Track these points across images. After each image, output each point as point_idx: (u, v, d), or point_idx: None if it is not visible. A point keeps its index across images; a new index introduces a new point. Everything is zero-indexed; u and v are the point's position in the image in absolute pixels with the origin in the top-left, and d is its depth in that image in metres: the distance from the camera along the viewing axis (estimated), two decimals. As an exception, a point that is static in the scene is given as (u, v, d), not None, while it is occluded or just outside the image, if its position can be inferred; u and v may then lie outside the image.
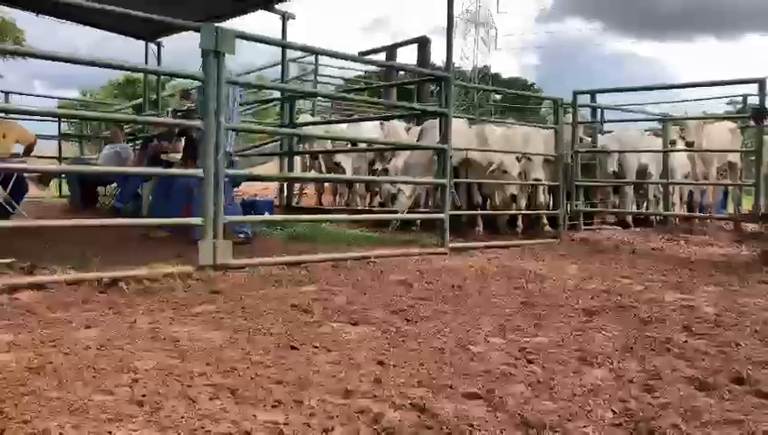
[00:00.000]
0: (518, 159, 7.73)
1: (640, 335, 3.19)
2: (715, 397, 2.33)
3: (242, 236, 5.94)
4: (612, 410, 2.17)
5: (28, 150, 8.09)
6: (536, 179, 7.89)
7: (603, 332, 3.26)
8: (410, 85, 14.11)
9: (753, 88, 6.87)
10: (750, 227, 8.25)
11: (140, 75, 16.67)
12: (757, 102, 6.63)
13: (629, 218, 8.93)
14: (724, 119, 10.16)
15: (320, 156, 9.97)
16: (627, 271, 5.39)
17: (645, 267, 5.62)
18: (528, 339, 3.10)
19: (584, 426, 2.04)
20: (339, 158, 9.33)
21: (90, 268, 4.13)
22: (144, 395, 2.15)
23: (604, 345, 3.00)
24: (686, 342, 3.10)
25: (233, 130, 5.84)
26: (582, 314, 3.68)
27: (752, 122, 7.23)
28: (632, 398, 2.30)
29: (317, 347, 2.82)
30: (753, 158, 8.19)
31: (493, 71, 48.38)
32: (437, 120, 6.81)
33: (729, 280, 5.03)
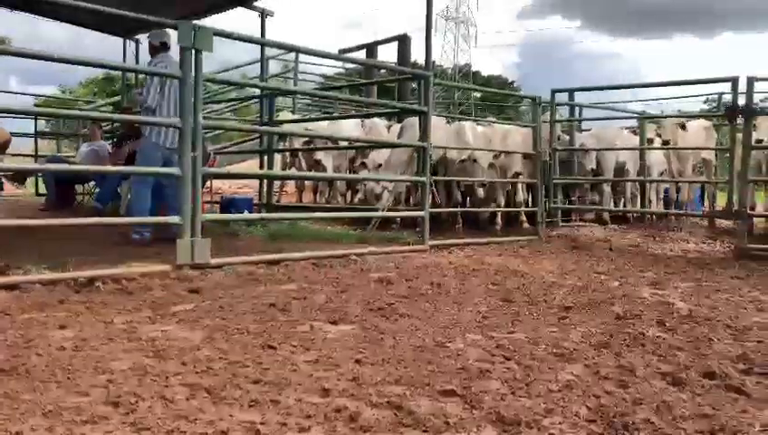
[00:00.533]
0: (496, 157, 7.80)
1: (616, 331, 3.23)
2: (688, 392, 2.37)
3: (137, 237, 5.71)
4: (587, 406, 2.20)
5: (3, 148, 7.97)
6: (517, 173, 7.96)
7: (579, 328, 3.30)
8: (391, 83, 14.12)
9: (728, 86, 6.96)
10: (724, 223, 8.38)
11: (119, 72, 16.45)
12: (731, 100, 6.73)
13: (607, 215, 9.02)
14: (699, 117, 10.29)
15: (300, 153, 9.93)
16: (603, 267, 5.45)
17: (621, 264, 5.70)
18: (505, 335, 3.12)
19: (560, 422, 2.07)
20: (319, 155, 9.31)
21: (66, 268, 4.08)
22: (119, 396, 2.14)
23: (580, 341, 3.04)
24: (659, 337, 3.15)
25: (208, 128, 5.78)
26: (559, 310, 3.72)
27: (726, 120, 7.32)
28: (607, 393, 2.33)
29: (295, 346, 2.82)
30: (727, 155, 8.31)
31: (473, 68, 48.66)
32: (418, 118, 6.82)
33: (703, 276, 5.11)
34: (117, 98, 13.26)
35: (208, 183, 8.16)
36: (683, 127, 8.28)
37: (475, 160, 7.58)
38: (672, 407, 2.18)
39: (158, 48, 5.93)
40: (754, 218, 7.57)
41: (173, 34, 4.97)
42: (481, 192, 7.79)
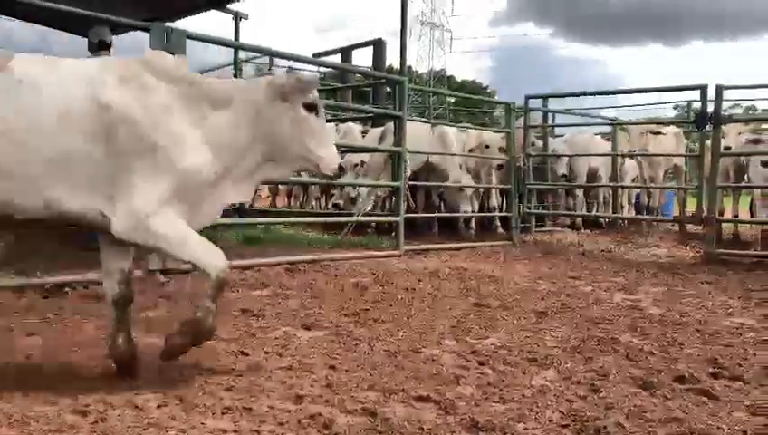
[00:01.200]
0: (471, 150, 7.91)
1: (588, 336, 3.26)
2: (658, 396, 2.40)
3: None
4: (560, 411, 2.21)
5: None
6: (500, 166, 8.05)
7: (552, 333, 3.32)
8: (366, 87, 14.10)
9: (698, 94, 7.07)
10: (694, 228, 8.51)
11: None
12: (700, 108, 6.83)
13: (579, 221, 9.11)
14: (669, 124, 10.45)
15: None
16: (576, 272, 5.50)
17: (594, 269, 5.75)
18: (479, 341, 3.13)
19: (533, 427, 2.08)
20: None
21: (34, 274, 4.00)
22: (88, 404, 2.10)
23: (553, 346, 3.06)
24: (631, 342, 3.18)
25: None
26: (533, 315, 3.74)
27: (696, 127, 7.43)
28: (579, 398, 2.35)
29: (268, 352, 2.80)
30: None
31: (448, 73, 48.78)
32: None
33: (674, 281, 5.18)
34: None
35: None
36: (654, 133, 8.41)
37: (461, 190, 7.68)
38: (643, 411, 2.21)
39: (96, 46, 5.77)
40: (723, 223, 7.69)
41: (145, 36, 4.89)
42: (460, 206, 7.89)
